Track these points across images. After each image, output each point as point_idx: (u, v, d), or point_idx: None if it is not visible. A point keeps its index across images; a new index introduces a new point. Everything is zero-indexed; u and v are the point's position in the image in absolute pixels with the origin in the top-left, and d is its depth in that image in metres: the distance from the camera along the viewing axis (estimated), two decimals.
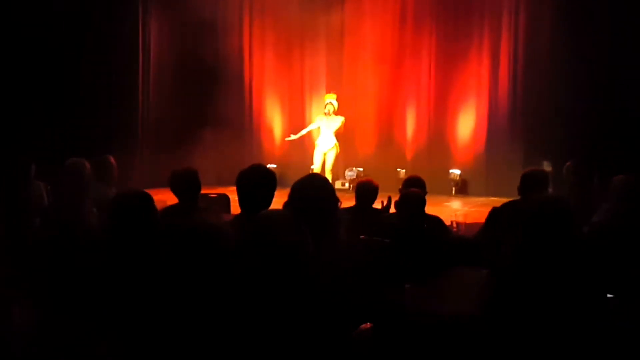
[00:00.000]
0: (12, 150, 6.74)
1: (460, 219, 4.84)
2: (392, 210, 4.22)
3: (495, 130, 10.40)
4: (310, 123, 10.87)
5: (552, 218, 2.22)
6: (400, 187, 4.80)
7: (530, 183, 4.02)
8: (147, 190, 2.67)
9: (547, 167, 8.16)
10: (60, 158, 4.59)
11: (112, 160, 5.23)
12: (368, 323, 2.34)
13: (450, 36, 10.68)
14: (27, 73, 9.23)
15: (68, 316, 2.12)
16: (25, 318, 2.15)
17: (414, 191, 4.05)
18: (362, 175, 10.43)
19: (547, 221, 2.22)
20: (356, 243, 3.27)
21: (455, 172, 10.52)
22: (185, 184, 4.00)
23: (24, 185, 4.97)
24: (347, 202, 4.67)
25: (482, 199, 9.56)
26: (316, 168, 9.79)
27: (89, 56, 9.85)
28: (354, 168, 11.08)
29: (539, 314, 2.18)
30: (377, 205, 4.68)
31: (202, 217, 2.00)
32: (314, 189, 2.53)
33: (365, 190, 4.67)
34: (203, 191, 4.31)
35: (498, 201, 5.04)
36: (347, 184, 10.69)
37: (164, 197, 4.90)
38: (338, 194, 2.66)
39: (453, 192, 10.41)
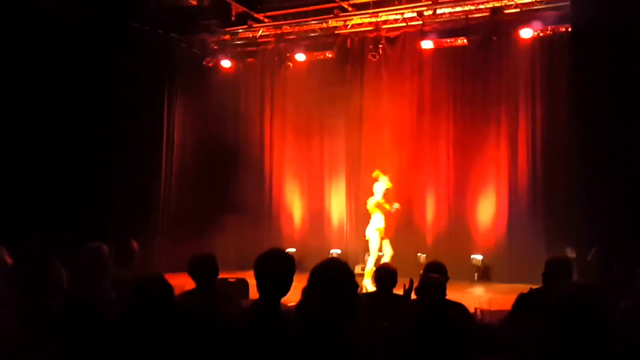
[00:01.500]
0: (31, 231, 6.81)
1: (484, 307, 4.70)
2: (414, 295, 4.13)
3: (516, 215, 10.31)
4: (330, 208, 10.92)
5: (583, 308, 2.15)
6: (421, 272, 4.72)
7: (555, 270, 4.00)
8: (166, 275, 2.66)
9: (570, 253, 8.00)
10: (81, 241, 4.61)
11: (135, 244, 5.24)
12: None
13: (467, 121, 10.81)
14: (51, 161, 9.45)
15: None
16: None
17: (434, 277, 3.98)
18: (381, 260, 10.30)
19: (577, 311, 2.15)
20: (378, 330, 3.18)
21: (477, 257, 10.36)
22: (203, 268, 3.99)
23: (42, 265, 4.99)
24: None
25: (505, 286, 9.35)
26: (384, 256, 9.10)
27: (115, 139, 10.13)
28: None
29: None
30: (399, 289, 4.59)
31: (214, 304, 1.99)
32: (333, 274, 2.50)
33: (384, 274, 4.60)
34: (223, 275, 4.29)
35: (522, 288, 4.91)
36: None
37: (183, 282, 4.87)
38: (358, 280, 2.62)
39: (475, 277, 10.21)
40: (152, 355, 2.20)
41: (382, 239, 9.15)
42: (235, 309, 3.09)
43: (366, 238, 9.22)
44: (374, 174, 9.56)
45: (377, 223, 9.09)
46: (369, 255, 10.87)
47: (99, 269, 3.96)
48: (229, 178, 11.47)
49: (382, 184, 9.33)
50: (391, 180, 11.30)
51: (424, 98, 11.26)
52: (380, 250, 9.15)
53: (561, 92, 9.86)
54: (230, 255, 9.40)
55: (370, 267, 8.90)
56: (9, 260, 6.01)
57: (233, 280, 5.62)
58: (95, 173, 9.90)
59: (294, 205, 12.02)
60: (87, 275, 3.97)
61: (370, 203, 9.25)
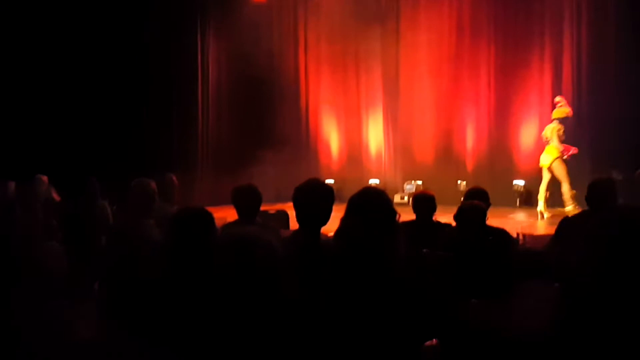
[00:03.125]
0: (79, 170, 7.00)
1: (527, 231, 4.67)
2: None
3: None
4: (367, 138, 10.87)
5: (630, 231, 2.09)
6: (462, 199, 4.70)
7: (599, 193, 3.86)
8: (208, 208, 2.69)
9: (616, 175, 7.82)
10: (124, 177, 4.71)
11: (175, 179, 5.33)
12: (434, 339, 2.27)
13: (509, 44, 10.48)
14: (93, 96, 9.62)
15: (131, 331, 2.15)
16: (90, 331, 2.19)
17: (473, 203, 3.95)
18: (421, 188, 10.30)
19: (625, 234, 2.09)
20: (418, 257, 3.19)
21: (519, 183, 10.25)
22: (246, 198, 4.03)
23: (90, 204, 5.14)
24: (407, 215, 4.63)
25: (548, 210, 9.27)
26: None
27: (152, 79, 10.21)
28: (413, 181, 10.96)
29: (617, 333, 2.05)
30: (440, 215, 4.60)
31: (256, 233, 2.00)
32: (371, 202, 2.49)
33: (422, 202, 4.59)
34: (263, 208, 4.33)
35: (565, 212, 4.86)
36: (405, 198, 10.55)
37: (225, 214, 4.96)
38: (397, 208, 2.61)
39: (517, 203, 10.15)
40: (195, 286, 2.26)
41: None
42: (276, 238, 3.13)
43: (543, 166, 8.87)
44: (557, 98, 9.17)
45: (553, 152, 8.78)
46: (407, 183, 10.87)
47: (146, 205, 4.04)
48: (266, 112, 11.47)
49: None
50: (429, 108, 11.14)
51: (463, 22, 10.93)
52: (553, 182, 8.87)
53: (608, 13, 9.42)
54: (269, 187, 9.46)
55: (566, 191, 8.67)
56: (57, 197, 6.23)
57: (273, 212, 5.69)
58: (134, 111, 10.04)
59: (331, 137, 12.00)
60: (134, 211, 4.05)
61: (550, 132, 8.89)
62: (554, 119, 9.00)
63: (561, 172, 8.67)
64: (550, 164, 8.76)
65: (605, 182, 4.04)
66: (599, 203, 3.77)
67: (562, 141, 8.86)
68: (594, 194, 3.88)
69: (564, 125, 8.98)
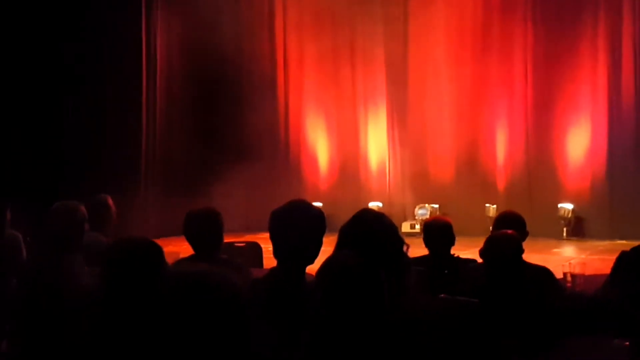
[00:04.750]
0: None
1: (577, 270, 4.71)
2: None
3: (618, 151, 10.20)
4: (366, 148, 10.91)
5: None
6: (491, 227, 4.73)
7: None
8: (155, 240, 2.70)
9: None
10: (43, 200, 4.70)
11: (110, 201, 5.33)
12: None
13: (552, 27, 10.60)
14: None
15: None
16: None
17: (505, 234, 3.99)
18: (437, 213, 10.33)
19: None
20: (434, 304, 3.22)
21: (567, 207, 10.33)
22: (204, 229, 4.04)
23: None
24: (419, 249, 4.65)
25: (604, 243, 9.37)
26: None
27: (80, 74, 10.17)
28: (427, 205, 11.00)
29: None
30: (460, 249, 4.64)
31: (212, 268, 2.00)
32: (369, 230, 2.51)
33: (436, 231, 4.63)
34: (227, 239, 4.34)
35: (627, 245, 4.90)
36: (417, 226, 10.58)
37: (177, 248, 4.95)
38: (406, 239, 2.63)
39: (564, 234, 10.22)
40: (135, 345, 2.26)
41: None
42: (246, 280, 3.15)
43: None
44: None
45: None
46: (419, 208, 10.91)
47: (72, 236, 4.04)
48: (231, 115, 11.48)
49: None
50: (448, 109, 11.18)
51: None
52: None
53: None
54: (236, 214, 9.51)
55: None
56: None
57: (242, 244, 5.71)
58: (54, 116, 9.99)
59: (319, 146, 12.03)
60: (55, 244, 4.05)
61: None
62: None
63: None
64: None
65: None
66: None
67: None
68: None
69: None
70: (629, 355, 2.37)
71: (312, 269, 2.89)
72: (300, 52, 12.04)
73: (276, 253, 2.89)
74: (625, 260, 3.87)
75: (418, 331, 2.37)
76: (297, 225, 2.86)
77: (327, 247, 2.78)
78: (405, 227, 10.42)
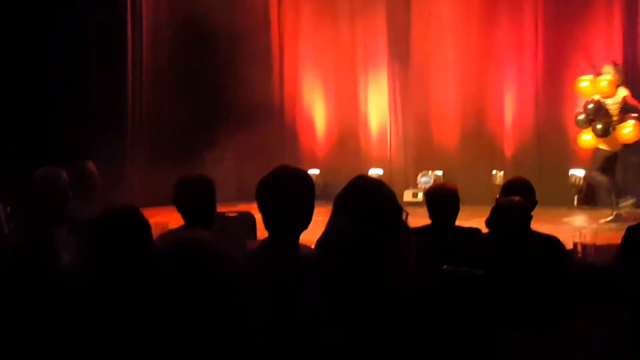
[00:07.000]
0: None
1: (588, 240, 4.74)
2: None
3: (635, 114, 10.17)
4: (366, 112, 10.90)
5: None
6: (498, 196, 4.75)
7: None
8: (142, 210, 2.71)
9: None
10: (23, 168, 4.70)
11: (92, 167, 5.33)
12: None
13: None
14: None
15: None
16: None
17: (512, 201, 4.01)
18: (440, 181, 10.35)
19: None
20: (435, 275, 3.24)
21: (578, 173, 10.34)
22: (196, 197, 4.04)
23: None
24: (421, 219, 4.68)
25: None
26: None
27: (55, 25, 10.10)
28: (430, 172, 11.02)
29: None
30: (464, 219, 4.66)
31: (204, 235, 2.01)
32: (365, 197, 2.51)
33: (439, 199, 4.64)
34: (220, 209, 4.35)
35: None
36: (420, 195, 10.59)
37: (165, 219, 4.98)
38: (408, 209, 2.64)
39: (575, 202, 10.26)
40: (125, 319, 2.28)
41: None
42: (238, 251, 3.16)
43: None
44: None
45: None
46: (422, 175, 10.92)
47: (55, 205, 4.05)
48: (223, 75, 11.43)
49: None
50: (453, 70, 11.15)
51: None
52: None
53: None
54: (229, 181, 9.54)
55: None
56: None
57: (234, 214, 5.74)
58: (30, 74, 9.95)
59: (316, 109, 12.01)
60: (37, 215, 4.06)
61: None
62: None
63: None
64: None
65: None
66: None
67: None
68: None
69: None
70: (629, 327, 2.41)
71: (306, 238, 2.92)
72: (297, 12, 11.97)
73: (266, 223, 2.91)
74: (633, 234, 3.91)
75: (419, 303, 2.39)
76: (284, 192, 2.86)
77: (321, 217, 2.79)
78: (407, 196, 10.45)
